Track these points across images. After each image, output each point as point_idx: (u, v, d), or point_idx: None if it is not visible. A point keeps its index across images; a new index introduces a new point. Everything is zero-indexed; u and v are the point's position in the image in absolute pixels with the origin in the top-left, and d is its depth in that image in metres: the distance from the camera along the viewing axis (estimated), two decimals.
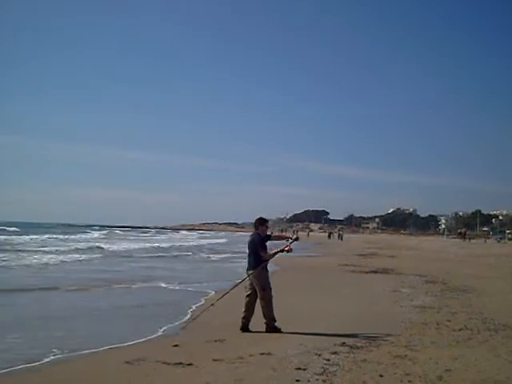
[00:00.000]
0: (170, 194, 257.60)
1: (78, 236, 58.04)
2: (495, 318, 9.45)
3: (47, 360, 6.67)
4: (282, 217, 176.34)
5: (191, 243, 50.83)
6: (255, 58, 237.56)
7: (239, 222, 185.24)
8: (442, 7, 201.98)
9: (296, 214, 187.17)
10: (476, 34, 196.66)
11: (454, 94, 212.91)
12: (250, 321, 8.34)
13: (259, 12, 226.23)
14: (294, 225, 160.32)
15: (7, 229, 68.84)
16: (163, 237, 72.63)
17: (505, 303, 11.90)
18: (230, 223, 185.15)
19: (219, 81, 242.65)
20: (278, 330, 8.16)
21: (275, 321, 8.25)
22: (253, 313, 8.36)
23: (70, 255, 25.58)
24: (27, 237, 46.22)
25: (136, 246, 39.49)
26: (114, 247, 36.57)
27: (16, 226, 77.21)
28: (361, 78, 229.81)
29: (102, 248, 34.11)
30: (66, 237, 52.54)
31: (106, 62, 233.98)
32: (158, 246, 40.89)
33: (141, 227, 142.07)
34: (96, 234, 67.97)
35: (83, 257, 25.29)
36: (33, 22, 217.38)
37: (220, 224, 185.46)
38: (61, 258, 23.74)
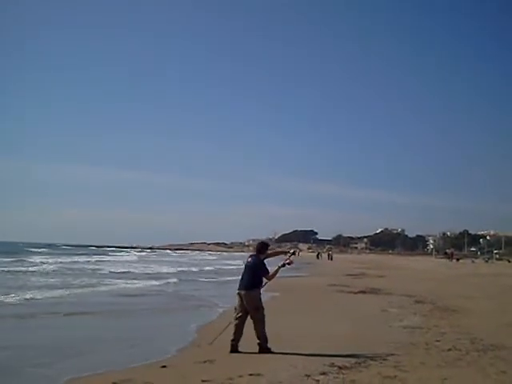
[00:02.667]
0: (155, 214, 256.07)
1: (118, 257, 58.95)
2: (484, 338, 9.47)
3: None
4: (271, 237, 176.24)
5: (231, 266, 46.52)
6: (242, 73, 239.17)
7: (227, 242, 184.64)
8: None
9: (284, 234, 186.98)
10: (475, 49, 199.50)
11: (444, 111, 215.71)
12: (239, 341, 8.30)
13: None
14: (283, 245, 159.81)
15: (39, 250, 68.41)
16: (185, 259, 67.99)
17: (493, 323, 11.93)
18: (218, 243, 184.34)
19: (205, 98, 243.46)
20: (269, 351, 8.15)
21: (267, 341, 8.25)
22: (242, 334, 8.34)
23: (145, 282, 24.22)
24: (71, 259, 47.99)
25: (192, 269, 38.63)
26: (179, 270, 36.13)
27: (43, 248, 77.69)
28: (348, 93, 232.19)
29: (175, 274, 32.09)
30: (107, 259, 53.38)
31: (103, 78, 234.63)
32: (208, 270, 39.65)
33: (128, 247, 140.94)
34: (128, 257, 66.39)
35: (170, 281, 24.79)
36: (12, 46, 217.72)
37: (208, 244, 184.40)
38: (141, 284, 22.78)
